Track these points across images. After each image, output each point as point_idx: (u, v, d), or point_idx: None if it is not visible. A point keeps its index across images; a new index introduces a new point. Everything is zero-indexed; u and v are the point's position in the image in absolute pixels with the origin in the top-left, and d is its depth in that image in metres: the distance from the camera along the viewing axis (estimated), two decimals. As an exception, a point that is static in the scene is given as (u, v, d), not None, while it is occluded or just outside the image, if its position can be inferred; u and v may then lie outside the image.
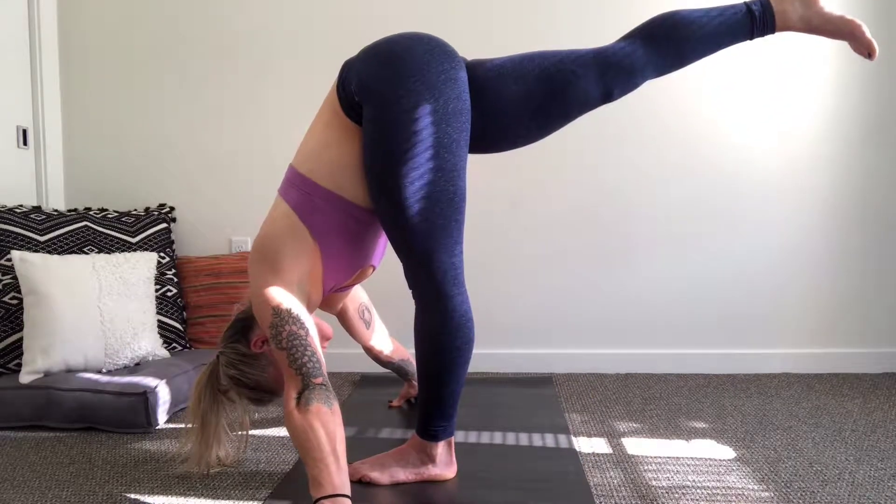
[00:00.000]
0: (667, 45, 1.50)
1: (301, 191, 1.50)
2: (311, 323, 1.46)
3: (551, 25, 2.74)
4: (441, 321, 1.47)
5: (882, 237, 2.73)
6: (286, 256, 1.48)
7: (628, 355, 2.78)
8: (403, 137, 1.38)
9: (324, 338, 1.69)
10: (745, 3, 1.52)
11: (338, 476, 1.28)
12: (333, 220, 1.50)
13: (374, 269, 1.71)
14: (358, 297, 2.01)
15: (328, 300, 1.81)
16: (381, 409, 2.18)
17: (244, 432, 1.71)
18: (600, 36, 2.75)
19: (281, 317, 1.41)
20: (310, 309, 1.53)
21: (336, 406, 1.36)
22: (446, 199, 1.43)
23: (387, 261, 2.07)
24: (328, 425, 1.31)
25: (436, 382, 1.51)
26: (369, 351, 2.10)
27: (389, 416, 2.12)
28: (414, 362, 2.14)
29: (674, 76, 2.72)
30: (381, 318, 2.17)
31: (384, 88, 1.40)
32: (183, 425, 1.61)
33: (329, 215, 1.50)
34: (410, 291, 1.51)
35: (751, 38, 1.53)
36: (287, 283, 1.47)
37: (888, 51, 2.68)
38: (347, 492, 1.29)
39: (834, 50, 2.69)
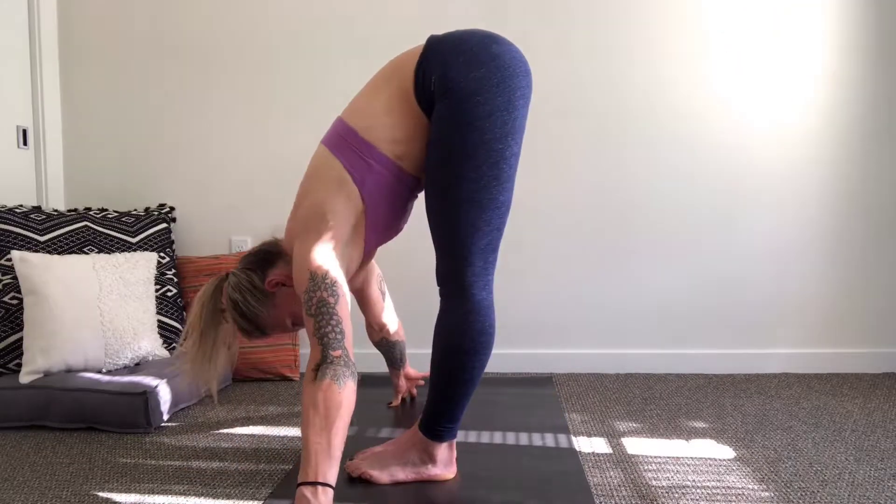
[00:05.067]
0: None
1: (356, 151, 1.50)
2: (346, 290, 1.45)
3: (553, 24, 2.74)
4: (465, 321, 1.48)
5: (882, 237, 2.73)
6: (337, 218, 1.48)
7: (628, 355, 2.78)
8: (472, 142, 1.41)
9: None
10: None
11: (325, 463, 1.28)
12: (385, 183, 1.52)
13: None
14: (373, 268, 2.00)
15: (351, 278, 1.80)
16: (381, 409, 2.18)
17: (233, 354, 1.68)
18: (609, 36, 2.76)
19: (315, 282, 1.40)
20: (348, 272, 1.53)
21: (350, 384, 1.34)
22: (495, 207, 1.46)
23: (387, 259, 2.08)
24: (331, 407, 1.30)
25: (450, 382, 1.51)
26: (379, 328, 2.07)
27: (389, 416, 2.12)
28: (404, 343, 2.14)
29: (674, 79, 2.72)
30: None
31: (466, 91, 1.42)
32: (181, 347, 1.60)
33: (381, 178, 1.51)
34: (438, 289, 1.52)
35: None
36: (334, 243, 1.47)
37: (888, 50, 2.68)
38: (331, 481, 1.28)
39: (834, 50, 2.69)
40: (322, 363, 1.34)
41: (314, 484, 1.26)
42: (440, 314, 1.52)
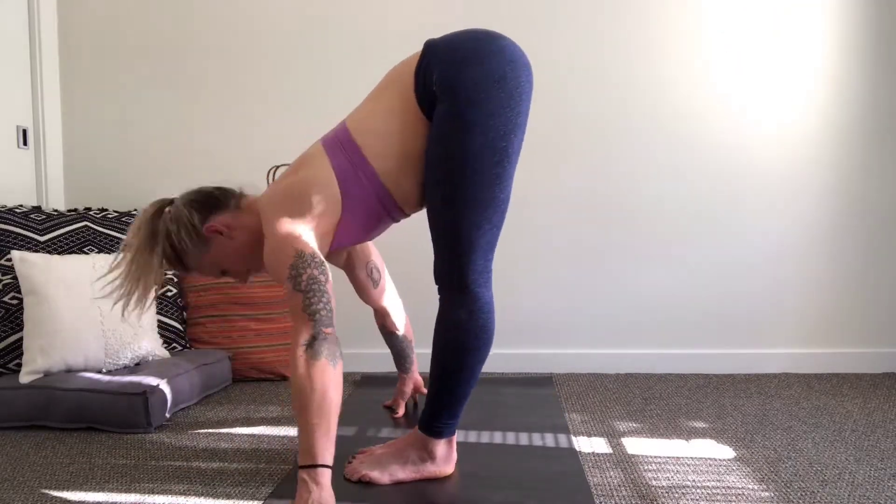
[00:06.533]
0: None
1: (350, 160, 1.51)
2: (329, 273, 1.45)
3: (552, 23, 2.74)
4: (468, 319, 1.48)
5: (882, 237, 2.73)
6: (316, 209, 1.48)
7: (628, 355, 2.78)
8: (474, 140, 1.41)
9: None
10: None
11: (323, 443, 1.32)
12: (367, 197, 1.52)
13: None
14: (366, 253, 1.97)
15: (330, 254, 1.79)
16: (380, 410, 2.18)
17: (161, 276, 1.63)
18: (609, 36, 2.76)
19: (304, 259, 1.40)
20: None
21: (341, 364, 1.38)
22: (496, 204, 1.46)
23: (395, 258, 2.07)
24: (327, 389, 1.33)
25: (451, 380, 1.52)
26: (376, 313, 2.06)
27: (390, 416, 2.12)
28: (413, 346, 2.13)
29: (674, 79, 2.72)
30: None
31: (466, 89, 1.41)
32: (114, 263, 1.56)
33: (366, 191, 1.51)
34: (437, 287, 1.52)
35: None
36: (314, 228, 1.47)
37: (888, 50, 2.68)
38: (330, 462, 1.33)
39: (834, 50, 2.69)
40: (315, 339, 1.36)
41: (313, 466, 1.31)
42: (441, 312, 1.52)
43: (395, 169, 1.51)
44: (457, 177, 1.43)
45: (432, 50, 1.49)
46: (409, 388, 2.16)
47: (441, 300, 1.53)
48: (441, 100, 1.44)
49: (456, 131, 1.42)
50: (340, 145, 1.53)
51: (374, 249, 2.01)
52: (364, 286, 1.99)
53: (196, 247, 1.56)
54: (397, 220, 1.64)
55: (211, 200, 1.59)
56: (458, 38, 1.48)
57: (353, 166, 1.51)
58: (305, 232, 1.45)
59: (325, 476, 1.32)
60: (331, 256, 1.82)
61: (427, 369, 2.51)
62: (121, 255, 1.55)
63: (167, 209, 1.58)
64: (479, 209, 1.44)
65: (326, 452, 1.33)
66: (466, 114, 1.41)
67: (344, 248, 1.64)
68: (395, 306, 2.07)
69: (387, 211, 1.57)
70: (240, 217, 1.59)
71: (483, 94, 1.41)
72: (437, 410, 1.54)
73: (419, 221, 2.03)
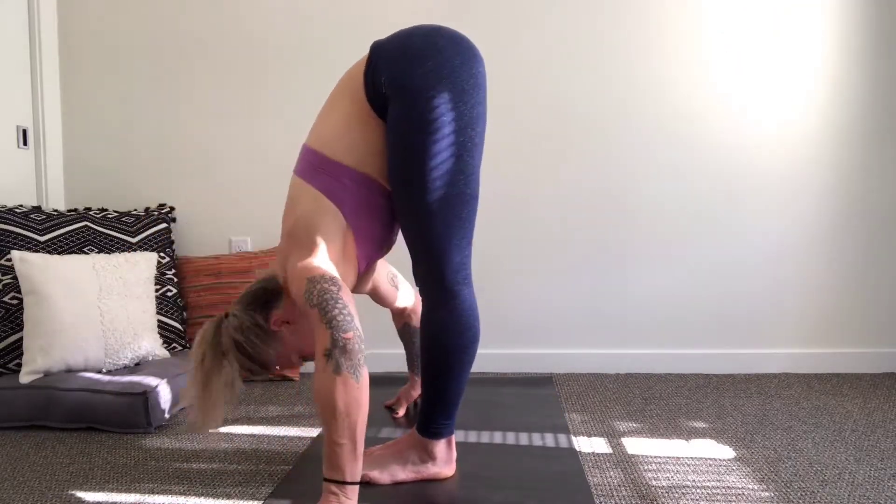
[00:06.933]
0: None
1: (328, 174, 1.49)
2: (348, 290, 1.41)
3: (551, 23, 2.74)
4: (449, 319, 1.48)
5: (882, 237, 2.73)
6: (321, 239, 1.46)
7: (628, 355, 2.78)
8: (431, 138, 1.40)
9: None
10: None
11: (351, 462, 1.32)
12: (363, 198, 1.50)
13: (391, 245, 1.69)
14: (383, 266, 1.97)
15: (359, 281, 1.79)
16: (381, 410, 2.18)
17: (236, 392, 1.59)
18: (609, 36, 2.76)
19: (313, 281, 1.38)
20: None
21: (365, 375, 1.33)
22: (464, 199, 1.45)
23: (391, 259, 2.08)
24: (350, 407, 1.30)
25: (441, 380, 1.51)
26: (399, 315, 2.05)
27: (389, 416, 2.12)
28: None
29: (673, 79, 2.72)
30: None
31: (416, 88, 1.40)
32: (187, 394, 1.52)
33: (358, 194, 1.50)
34: (418, 289, 1.52)
35: None
36: (327, 254, 1.45)
37: (888, 50, 2.68)
38: (358, 478, 1.33)
39: (834, 50, 2.69)
40: (334, 348, 1.31)
41: (341, 483, 1.31)
42: (423, 313, 1.52)
43: (371, 157, 1.49)
44: (419, 178, 1.41)
45: (379, 52, 1.47)
46: (416, 393, 2.15)
47: (423, 301, 1.52)
48: (392, 100, 1.43)
49: (411, 132, 1.40)
50: (313, 168, 1.51)
51: (387, 263, 2.00)
52: (391, 297, 1.98)
53: (268, 345, 1.52)
54: None
55: (265, 296, 1.55)
56: (403, 36, 1.47)
57: (334, 178, 1.49)
58: (318, 261, 1.42)
59: (355, 492, 1.33)
60: (359, 284, 1.80)
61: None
62: (190, 383, 1.51)
63: (223, 323, 1.53)
64: (446, 208, 1.43)
65: (355, 470, 1.33)
66: (418, 112, 1.39)
67: (373, 261, 1.62)
68: (418, 305, 2.06)
69: (385, 197, 1.53)
70: (290, 300, 1.55)
71: (433, 91, 1.39)
72: (432, 412, 1.54)
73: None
